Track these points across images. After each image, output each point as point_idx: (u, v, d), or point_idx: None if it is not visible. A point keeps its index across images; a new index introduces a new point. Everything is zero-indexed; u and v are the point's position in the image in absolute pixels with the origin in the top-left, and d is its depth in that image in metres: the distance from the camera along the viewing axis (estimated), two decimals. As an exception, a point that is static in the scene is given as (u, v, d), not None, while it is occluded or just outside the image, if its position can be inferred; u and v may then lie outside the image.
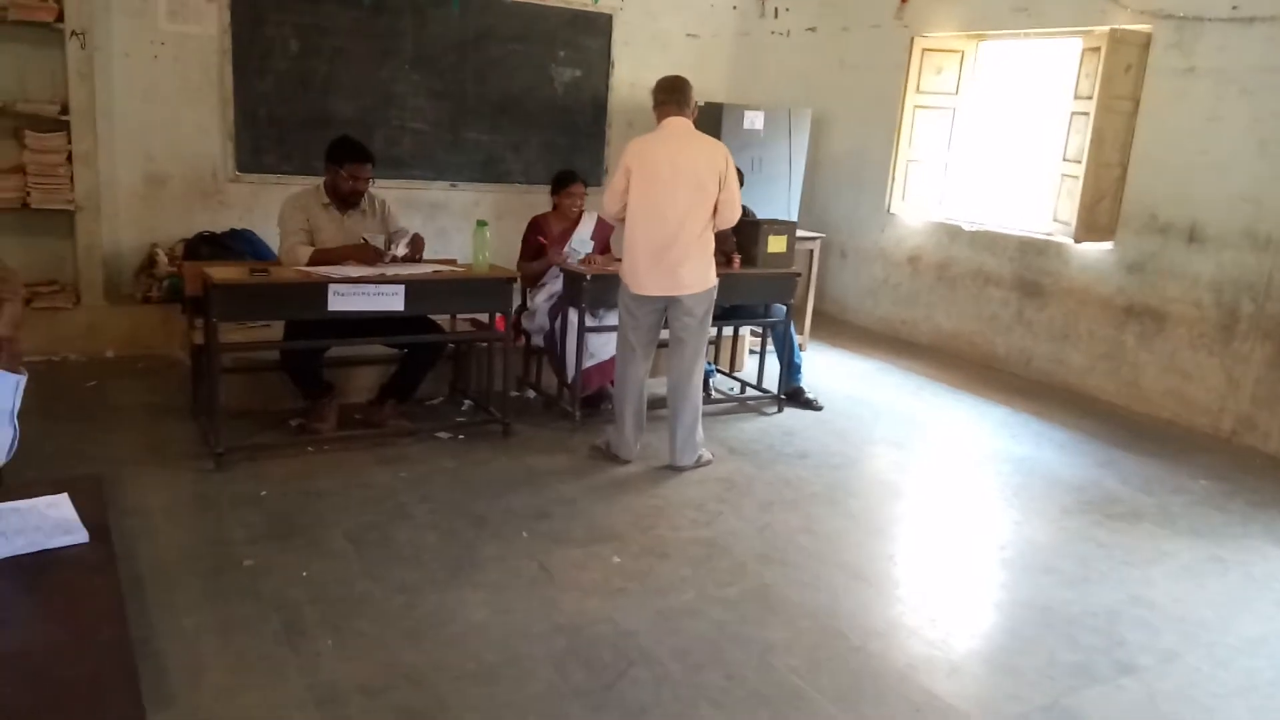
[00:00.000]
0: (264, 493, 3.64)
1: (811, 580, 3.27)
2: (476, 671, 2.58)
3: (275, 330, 4.35)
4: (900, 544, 3.70)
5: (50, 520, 1.59)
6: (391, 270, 4.03)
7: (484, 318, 4.54)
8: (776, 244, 4.88)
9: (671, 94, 3.96)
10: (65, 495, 1.68)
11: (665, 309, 4.06)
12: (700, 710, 2.47)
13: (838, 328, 7.22)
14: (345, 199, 4.24)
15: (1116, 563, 3.55)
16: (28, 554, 1.49)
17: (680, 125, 3.95)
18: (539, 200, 6.71)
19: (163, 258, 5.56)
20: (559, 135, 7.00)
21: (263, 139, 6.03)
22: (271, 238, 5.78)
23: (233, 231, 5.66)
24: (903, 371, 6.17)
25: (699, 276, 3.98)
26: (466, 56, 6.59)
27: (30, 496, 1.67)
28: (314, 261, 4.06)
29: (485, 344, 4.71)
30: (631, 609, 2.96)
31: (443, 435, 4.41)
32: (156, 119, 5.73)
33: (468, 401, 4.88)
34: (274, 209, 6.02)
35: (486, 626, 2.81)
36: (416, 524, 3.48)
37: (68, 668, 1.20)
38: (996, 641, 2.95)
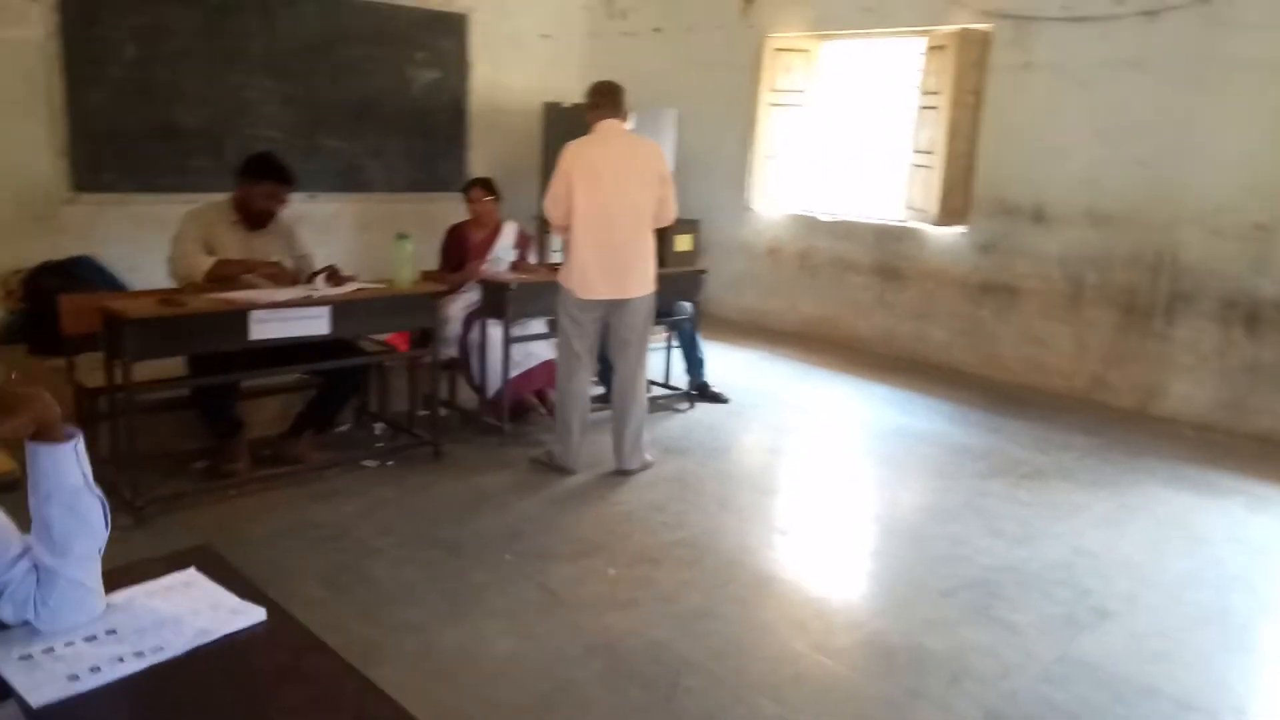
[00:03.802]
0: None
1: (802, 567, 3.36)
2: (531, 705, 2.48)
3: (163, 366, 3.93)
4: (862, 523, 3.83)
5: (206, 602, 1.39)
6: (317, 292, 3.76)
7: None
8: (683, 242, 4.96)
9: (605, 96, 3.93)
10: (193, 569, 1.48)
11: (608, 314, 4.02)
12: (766, 710, 2.49)
13: (702, 320, 7.36)
14: (255, 219, 3.92)
15: (1047, 519, 3.86)
16: (208, 643, 1.30)
17: (616, 127, 3.93)
18: (402, 209, 6.47)
19: (-4, 293, 4.92)
20: (419, 140, 6.73)
21: (101, 155, 5.42)
22: (116, 263, 5.28)
23: (76, 259, 5.08)
24: (780, 359, 6.41)
25: (646, 279, 3.98)
26: (319, 60, 6.21)
27: (152, 577, 1.45)
28: (216, 273, 3.74)
29: (399, 363, 4.48)
30: (651, 619, 2.93)
31: (370, 463, 4.17)
32: (-27, 136, 5.03)
33: (380, 425, 4.62)
34: (116, 232, 5.54)
35: (518, 657, 2.70)
36: (389, 559, 3.28)
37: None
38: (986, 604, 3.13)
